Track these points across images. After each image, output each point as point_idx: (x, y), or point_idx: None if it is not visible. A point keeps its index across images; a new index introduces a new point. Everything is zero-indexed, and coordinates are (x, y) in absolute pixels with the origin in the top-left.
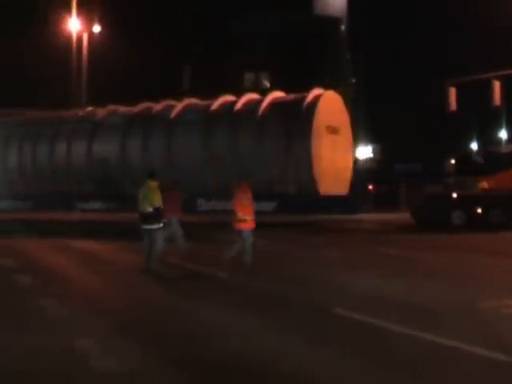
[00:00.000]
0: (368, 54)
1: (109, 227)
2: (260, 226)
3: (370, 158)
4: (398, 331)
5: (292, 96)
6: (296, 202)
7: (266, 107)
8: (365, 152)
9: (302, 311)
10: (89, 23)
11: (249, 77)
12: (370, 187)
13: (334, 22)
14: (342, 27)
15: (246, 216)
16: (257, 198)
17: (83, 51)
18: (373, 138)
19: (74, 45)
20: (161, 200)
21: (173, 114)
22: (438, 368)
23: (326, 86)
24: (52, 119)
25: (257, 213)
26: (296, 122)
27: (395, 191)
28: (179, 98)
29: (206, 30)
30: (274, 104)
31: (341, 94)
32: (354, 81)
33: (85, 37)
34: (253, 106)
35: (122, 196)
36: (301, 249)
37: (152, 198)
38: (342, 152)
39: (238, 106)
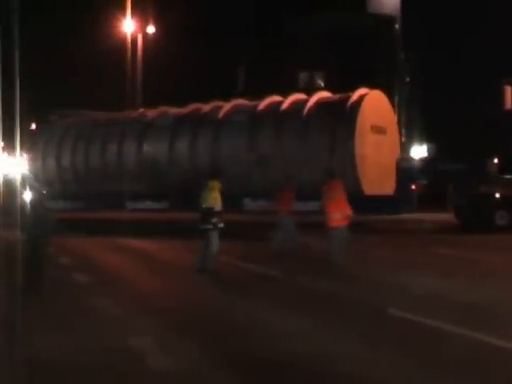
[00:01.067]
0: (423, 53)
1: (161, 226)
2: (308, 226)
3: (423, 158)
4: (451, 331)
5: (337, 96)
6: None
7: (311, 107)
8: (420, 151)
9: (357, 311)
10: (143, 24)
11: (303, 77)
12: (414, 187)
13: (387, 20)
14: (396, 26)
15: (334, 213)
16: (302, 197)
17: (138, 52)
18: (428, 137)
19: (129, 46)
20: (217, 201)
21: (220, 114)
22: (486, 368)
23: (374, 86)
24: (104, 120)
25: (302, 212)
26: (340, 121)
27: (442, 190)
28: (233, 98)
29: (260, 31)
30: (319, 104)
31: (390, 93)
32: (408, 80)
33: (139, 38)
34: (298, 106)
35: (171, 195)
36: (353, 248)
37: (206, 198)
38: (388, 152)
39: (284, 106)
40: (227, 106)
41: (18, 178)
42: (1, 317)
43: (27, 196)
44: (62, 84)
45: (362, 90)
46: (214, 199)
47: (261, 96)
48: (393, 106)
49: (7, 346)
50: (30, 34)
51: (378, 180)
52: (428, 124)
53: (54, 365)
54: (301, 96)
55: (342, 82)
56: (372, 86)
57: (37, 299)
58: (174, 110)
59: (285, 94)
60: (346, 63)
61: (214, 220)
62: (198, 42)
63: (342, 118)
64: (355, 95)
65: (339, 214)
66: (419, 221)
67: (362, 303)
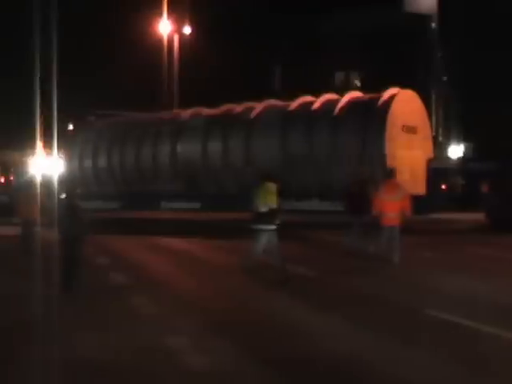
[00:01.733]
0: (460, 51)
1: (198, 226)
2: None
3: (460, 157)
4: (488, 331)
5: (368, 96)
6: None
7: (343, 107)
8: (457, 151)
9: (395, 312)
10: (179, 25)
11: (339, 76)
12: (443, 187)
13: (424, 19)
14: (433, 24)
15: (387, 213)
16: (333, 197)
17: (174, 53)
18: (465, 136)
19: (165, 47)
20: (276, 201)
21: (252, 115)
22: None
23: (410, 85)
24: (139, 121)
25: (332, 212)
26: (370, 121)
27: (475, 190)
28: (268, 98)
29: (295, 30)
30: (350, 104)
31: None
32: (445, 79)
33: (175, 38)
34: (329, 106)
35: (204, 195)
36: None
37: (267, 198)
38: (420, 151)
39: (315, 105)
40: (259, 107)
41: (55, 178)
42: (40, 316)
43: (64, 196)
44: (99, 85)
45: (392, 90)
46: (274, 200)
47: (296, 95)
48: (429, 105)
49: (47, 346)
50: (67, 35)
51: (410, 180)
52: (465, 123)
53: (91, 364)
54: (332, 96)
55: (379, 82)
56: (409, 85)
57: (75, 299)
58: (206, 111)
59: (320, 94)
60: (383, 63)
61: (276, 221)
62: (233, 42)
63: (372, 117)
64: (386, 95)
65: (394, 213)
66: (453, 221)
67: (400, 304)
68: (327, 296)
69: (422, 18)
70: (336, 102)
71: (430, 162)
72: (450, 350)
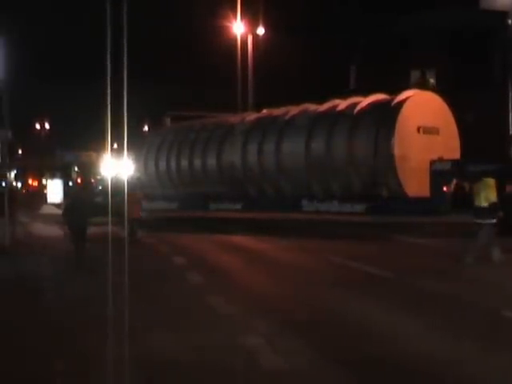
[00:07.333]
0: None
1: (255, 225)
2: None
3: None
4: None
5: (390, 97)
6: (385, 203)
7: (362, 108)
8: None
9: (469, 312)
10: (253, 25)
11: (414, 75)
12: (445, 188)
13: (501, 17)
14: (510, 21)
15: None
16: (350, 199)
17: (248, 54)
18: None
19: (239, 47)
20: (496, 196)
21: (286, 117)
22: None
23: (487, 84)
24: (196, 126)
25: (350, 214)
26: (383, 122)
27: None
28: (345, 97)
29: (372, 29)
30: (370, 105)
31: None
32: None
33: (249, 39)
34: (351, 107)
35: (245, 197)
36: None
37: (488, 193)
38: (442, 152)
39: (339, 107)
40: (294, 110)
41: (124, 180)
42: (116, 316)
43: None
44: (176, 86)
45: (409, 92)
46: (494, 195)
47: (371, 94)
48: (507, 103)
49: (122, 345)
50: (141, 36)
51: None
52: None
53: (169, 363)
54: (359, 98)
55: (455, 80)
56: (486, 83)
57: (151, 298)
58: (251, 115)
59: (395, 93)
60: (459, 61)
61: (496, 215)
62: (308, 41)
63: (384, 118)
64: (401, 96)
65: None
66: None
67: (476, 304)
68: (402, 296)
69: (499, 16)
70: (359, 103)
71: (432, 163)
72: None
